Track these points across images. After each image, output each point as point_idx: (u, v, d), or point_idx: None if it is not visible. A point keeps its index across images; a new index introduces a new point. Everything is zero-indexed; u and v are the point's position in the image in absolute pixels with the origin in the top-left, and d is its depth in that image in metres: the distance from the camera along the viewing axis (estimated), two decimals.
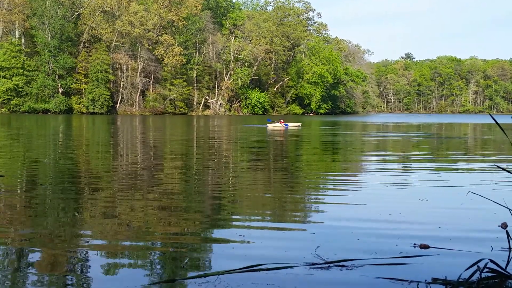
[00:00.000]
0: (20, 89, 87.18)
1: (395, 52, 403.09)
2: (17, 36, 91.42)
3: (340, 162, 18.48)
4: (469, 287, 5.00)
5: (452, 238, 7.16)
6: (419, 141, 31.21)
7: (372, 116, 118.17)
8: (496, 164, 13.12)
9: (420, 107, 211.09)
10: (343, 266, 5.87)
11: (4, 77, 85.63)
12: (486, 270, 5.12)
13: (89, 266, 5.97)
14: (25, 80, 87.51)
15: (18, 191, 10.91)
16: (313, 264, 5.91)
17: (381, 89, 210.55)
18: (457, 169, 16.08)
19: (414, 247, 6.69)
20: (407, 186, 11.99)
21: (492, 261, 5.15)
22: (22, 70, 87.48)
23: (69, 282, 5.39)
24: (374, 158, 19.78)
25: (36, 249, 6.55)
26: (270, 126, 45.57)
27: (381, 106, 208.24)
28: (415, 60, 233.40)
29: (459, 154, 22.39)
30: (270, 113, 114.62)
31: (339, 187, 11.89)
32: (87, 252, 6.44)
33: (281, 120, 47.43)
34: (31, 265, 5.92)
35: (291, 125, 47.36)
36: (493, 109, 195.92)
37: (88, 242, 6.95)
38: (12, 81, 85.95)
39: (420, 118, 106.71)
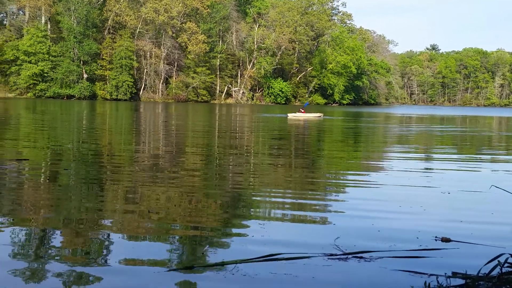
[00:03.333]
0: (45, 74, 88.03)
1: (420, 43, 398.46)
2: (43, 21, 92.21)
3: (362, 154, 18.37)
4: (489, 281, 4.95)
5: (473, 232, 7.09)
6: (443, 134, 30.90)
7: (395, 108, 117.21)
8: None
9: (445, 100, 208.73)
10: (361, 257, 5.84)
11: (30, 62, 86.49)
12: (506, 265, 5.06)
13: (109, 251, 6.04)
14: (50, 66, 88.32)
15: (42, 175, 11.05)
16: (331, 255, 5.90)
17: (405, 81, 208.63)
18: (480, 162, 15.89)
19: (435, 240, 6.64)
20: (429, 179, 11.88)
21: None
22: (47, 56, 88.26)
23: (89, 267, 5.45)
24: (396, 150, 19.63)
25: (57, 233, 6.64)
26: (290, 115, 45.28)
27: (404, 98, 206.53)
28: (440, 51, 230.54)
29: (483, 147, 22.12)
30: (292, 103, 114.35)
31: (360, 179, 11.83)
32: (107, 237, 6.51)
33: (302, 110, 47.00)
34: (52, 249, 6.00)
35: (313, 115, 46.99)
36: None
37: (108, 227, 7.02)
38: (37, 66, 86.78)
39: (444, 110, 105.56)
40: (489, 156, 17.98)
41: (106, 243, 6.29)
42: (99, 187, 9.82)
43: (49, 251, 5.90)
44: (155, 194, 9.17)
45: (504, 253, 5.12)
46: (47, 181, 10.34)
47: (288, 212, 8.17)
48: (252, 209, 8.33)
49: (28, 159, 12.83)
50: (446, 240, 6.62)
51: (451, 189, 10.35)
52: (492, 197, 9.44)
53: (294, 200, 9.11)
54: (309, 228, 7.24)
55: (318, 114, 48.14)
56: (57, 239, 6.37)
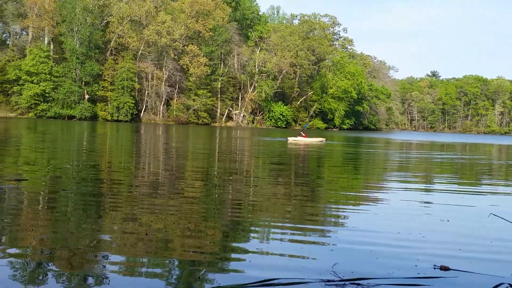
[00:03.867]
0: (47, 95, 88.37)
1: (420, 69, 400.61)
2: (46, 42, 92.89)
3: (362, 179, 18.36)
4: None
5: (472, 260, 7.06)
6: (443, 160, 30.90)
7: (395, 134, 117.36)
8: None
9: (445, 126, 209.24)
10: (359, 284, 5.81)
11: (32, 82, 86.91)
12: None
13: (106, 273, 6.01)
14: (52, 86, 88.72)
15: (41, 196, 11.02)
16: (329, 281, 5.87)
17: (406, 107, 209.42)
18: (479, 190, 15.86)
19: (434, 268, 6.61)
20: (428, 205, 11.86)
21: (511, 285, 5.06)
22: (49, 76, 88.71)
23: None
24: (396, 176, 19.62)
25: (55, 255, 6.61)
26: (291, 139, 45.10)
27: (405, 124, 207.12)
28: (440, 78, 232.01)
29: (482, 175, 22.10)
30: (293, 127, 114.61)
31: (359, 204, 11.80)
32: (105, 259, 6.48)
33: (304, 134, 46.93)
34: (49, 272, 5.97)
35: (315, 140, 46.78)
36: None
37: (106, 249, 7.00)
38: (39, 86, 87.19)
39: (444, 137, 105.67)
40: (489, 184, 17.96)
41: (104, 265, 6.26)
42: (97, 209, 9.79)
43: (46, 275, 5.87)
44: (154, 217, 9.14)
45: (503, 283, 5.10)
46: (45, 202, 10.32)
47: (286, 237, 8.14)
48: (250, 234, 8.31)
49: (27, 179, 12.81)
50: (444, 268, 6.59)
51: (450, 216, 10.33)
52: (491, 225, 9.42)
53: (292, 225, 9.07)
54: (307, 253, 7.21)
55: (320, 139, 47.68)
56: (54, 262, 6.34)
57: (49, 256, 6.54)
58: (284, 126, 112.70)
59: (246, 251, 7.11)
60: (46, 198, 10.80)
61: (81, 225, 8.35)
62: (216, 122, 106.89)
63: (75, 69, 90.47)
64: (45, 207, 9.69)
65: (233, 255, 6.95)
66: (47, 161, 18.66)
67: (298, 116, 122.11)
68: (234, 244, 7.57)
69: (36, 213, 9.08)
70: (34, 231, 7.76)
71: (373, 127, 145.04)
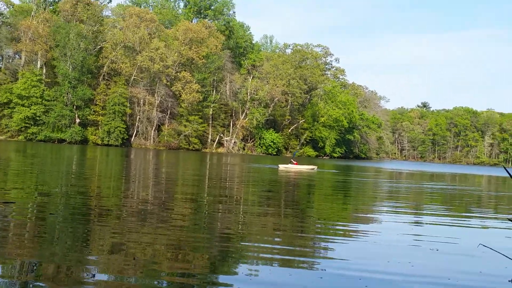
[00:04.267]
0: (37, 118, 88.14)
1: (411, 100, 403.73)
2: (38, 66, 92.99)
3: (352, 209, 18.35)
4: None
5: None
6: (432, 191, 30.98)
7: (386, 163, 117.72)
8: (509, 218, 12.96)
9: (435, 156, 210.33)
10: None
11: (23, 105, 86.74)
12: None
13: None
14: (43, 109, 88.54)
15: (28, 219, 10.92)
16: None
17: (396, 136, 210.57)
18: (469, 221, 15.88)
19: None
20: (418, 235, 11.85)
21: None
22: (41, 100, 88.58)
23: None
24: (386, 206, 19.62)
25: (41, 280, 6.52)
26: (281, 167, 45.09)
27: (395, 153, 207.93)
28: (431, 109, 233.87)
29: (472, 206, 22.16)
30: (283, 154, 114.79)
31: (349, 233, 11.78)
32: (92, 283, 6.40)
33: (295, 162, 46.93)
34: None
35: (306, 167, 46.76)
36: (509, 163, 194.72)
37: (93, 275, 6.92)
38: (30, 109, 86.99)
39: (434, 167, 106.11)
40: (478, 214, 17.99)
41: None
42: (85, 234, 9.70)
43: None
44: (142, 242, 9.07)
45: None
46: (32, 225, 10.22)
47: (275, 264, 8.08)
48: (239, 261, 8.25)
49: (14, 202, 12.70)
50: None
51: (439, 246, 10.32)
52: (480, 255, 9.41)
53: (281, 253, 9.02)
54: (296, 281, 7.16)
55: (311, 167, 47.61)
56: (40, 284, 6.25)
57: (35, 277, 6.45)
58: (275, 153, 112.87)
59: (235, 278, 7.06)
60: (33, 221, 10.70)
61: (68, 248, 8.27)
62: (207, 148, 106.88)
63: (67, 93, 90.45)
64: (32, 230, 9.59)
65: (221, 281, 6.89)
66: (35, 184, 18.53)
67: (289, 144, 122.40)
68: (223, 271, 7.52)
69: (23, 236, 8.98)
70: (20, 254, 7.67)
71: (363, 155, 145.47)
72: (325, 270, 7.83)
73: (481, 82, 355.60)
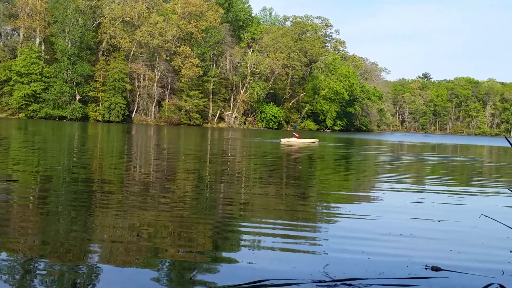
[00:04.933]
0: (37, 95, 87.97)
1: (412, 71, 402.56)
2: (37, 42, 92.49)
3: (353, 181, 18.40)
4: None
5: (463, 261, 7.08)
6: (434, 162, 31.01)
7: (387, 135, 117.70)
8: (510, 188, 12.98)
9: (436, 128, 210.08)
10: (350, 285, 5.81)
11: (22, 82, 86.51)
12: None
13: (97, 275, 5.97)
14: (43, 87, 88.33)
15: (31, 197, 10.97)
16: (320, 281, 5.86)
17: (397, 108, 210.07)
18: (470, 191, 15.92)
19: (425, 268, 6.62)
20: (419, 206, 11.89)
21: (501, 286, 5.08)
22: (40, 77, 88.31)
23: None
24: (387, 177, 19.67)
25: (45, 259, 6.55)
26: (283, 141, 45.08)
27: (396, 125, 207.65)
28: (432, 80, 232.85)
29: (473, 176, 22.20)
30: (284, 128, 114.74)
31: (351, 206, 11.82)
32: (95, 261, 6.45)
33: (297, 135, 46.89)
34: (38, 276, 5.93)
35: (308, 141, 46.81)
36: (510, 133, 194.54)
37: (96, 251, 6.96)
38: (30, 87, 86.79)
39: (435, 138, 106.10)
40: (479, 185, 18.04)
41: (94, 268, 6.22)
42: (88, 210, 9.74)
43: (36, 275, 5.82)
44: (145, 219, 9.11)
45: (493, 283, 5.11)
46: (36, 203, 10.26)
47: (277, 239, 8.12)
48: (241, 235, 8.29)
49: (17, 180, 12.74)
50: (436, 269, 6.60)
51: (441, 217, 10.36)
52: (482, 226, 9.45)
53: (284, 227, 9.06)
54: (299, 254, 7.20)
55: (313, 140, 47.75)
56: (43, 265, 6.29)
57: (39, 256, 6.49)
58: (276, 127, 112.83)
59: (237, 252, 7.10)
60: (37, 198, 10.74)
61: (71, 225, 8.31)
62: (208, 123, 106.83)
63: (67, 70, 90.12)
64: (36, 208, 9.64)
65: (224, 256, 6.94)
66: (38, 161, 18.57)
67: (290, 117, 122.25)
68: (225, 245, 7.56)
69: (26, 214, 9.02)
70: (24, 232, 7.71)
71: (364, 128, 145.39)
72: (327, 243, 7.87)
73: (483, 51, 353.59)
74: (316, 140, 47.69)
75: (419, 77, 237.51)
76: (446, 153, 43.42)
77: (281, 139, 46.26)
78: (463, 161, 33.05)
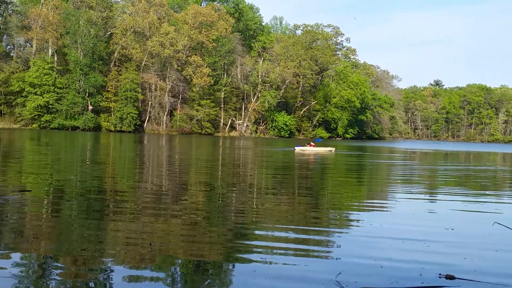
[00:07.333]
0: (50, 106, 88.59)
1: (424, 78, 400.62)
2: (50, 53, 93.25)
3: (366, 189, 18.33)
4: None
5: (477, 269, 7.02)
6: (447, 169, 30.83)
7: (399, 143, 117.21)
8: None
9: (448, 135, 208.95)
10: None
11: (35, 93, 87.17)
12: None
13: (109, 283, 5.98)
14: (55, 97, 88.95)
15: (44, 207, 11.03)
16: None
17: (409, 116, 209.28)
18: (484, 199, 15.80)
19: (439, 277, 6.57)
20: (433, 214, 11.82)
21: None
22: (53, 87, 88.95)
23: None
24: (400, 185, 19.57)
25: (58, 266, 6.59)
26: (298, 149, 44.34)
27: (408, 133, 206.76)
28: (444, 87, 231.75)
29: (486, 184, 22.04)
30: (296, 136, 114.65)
31: (364, 214, 11.76)
32: (108, 270, 6.47)
33: (312, 144, 46.24)
34: (53, 281, 5.95)
35: (324, 149, 46.09)
36: None
37: (109, 260, 6.98)
38: (43, 98, 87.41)
39: (448, 146, 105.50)
40: (493, 193, 17.90)
41: (107, 276, 6.24)
42: (101, 219, 9.78)
43: (49, 284, 5.85)
44: (157, 227, 9.13)
45: None
46: (48, 213, 10.32)
47: (290, 247, 8.10)
48: (254, 244, 8.27)
49: (30, 191, 12.82)
50: (450, 277, 6.55)
51: (455, 225, 10.29)
52: (496, 233, 9.38)
53: (296, 235, 9.04)
54: (312, 263, 7.18)
55: (329, 148, 46.77)
56: (58, 273, 6.32)
57: (53, 266, 6.53)
58: (288, 135, 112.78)
59: (250, 261, 7.09)
60: (50, 209, 10.80)
61: (84, 235, 8.34)
62: (219, 132, 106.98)
63: (79, 81, 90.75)
64: (49, 218, 9.69)
65: (237, 265, 6.93)
66: (51, 172, 18.67)
67: (302, 126, 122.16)
68: (238, 254, 7.55)
69: (40, 224, 9.07)
70: (37, 242, 7.75)
71: (376, 136, 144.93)
72: (340, 251, 7.84)
73: (495, 58, 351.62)
74: (333, 149, 46.71)
75: (431, 84, 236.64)
76: (459, 160, 43.16)
77: (295, 147, 45.67)
78: (476, 168, 32.82)
